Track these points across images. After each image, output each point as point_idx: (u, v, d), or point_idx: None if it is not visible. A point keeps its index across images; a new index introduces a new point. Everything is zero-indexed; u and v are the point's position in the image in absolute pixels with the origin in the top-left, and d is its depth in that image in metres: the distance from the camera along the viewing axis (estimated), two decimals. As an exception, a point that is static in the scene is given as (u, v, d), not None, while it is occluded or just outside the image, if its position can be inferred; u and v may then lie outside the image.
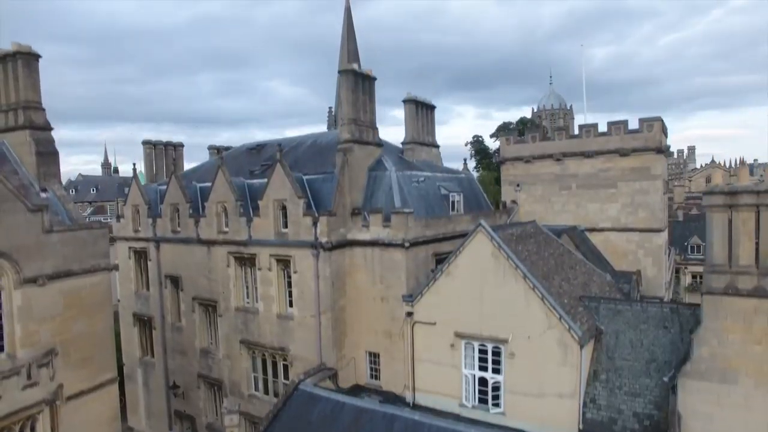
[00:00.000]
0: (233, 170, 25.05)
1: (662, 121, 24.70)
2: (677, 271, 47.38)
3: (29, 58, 17.08)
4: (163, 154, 30.42)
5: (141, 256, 26.93)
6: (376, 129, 22.44)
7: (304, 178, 21.39)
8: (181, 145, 31.58)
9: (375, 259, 19.83)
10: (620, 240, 25.18)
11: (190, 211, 23.95)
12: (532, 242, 19.93)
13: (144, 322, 27.23)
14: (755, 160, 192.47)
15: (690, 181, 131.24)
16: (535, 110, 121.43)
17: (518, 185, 27.85)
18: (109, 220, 68.27)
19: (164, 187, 26.64)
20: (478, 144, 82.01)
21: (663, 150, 24.39)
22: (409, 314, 19.03)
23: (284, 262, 20.68)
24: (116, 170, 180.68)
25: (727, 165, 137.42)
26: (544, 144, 26.98)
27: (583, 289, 19.89)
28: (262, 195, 20.90)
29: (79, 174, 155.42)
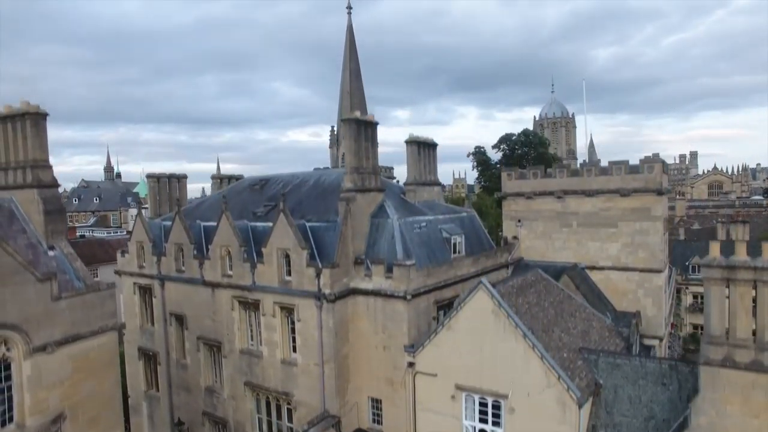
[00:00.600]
0: (236, 209, 25.33)
1: (663, 162, 24.88)
2: (678, 291, 47.52)
3: (37, 118, 17.34)
4: (167, 186, 30.69)
5: (146, 291, 27.21)
6: (379, 173, 22.69)
7: (307, 225, 21.62)
8: (184, 177, 31.86)
9: (377, 309, 20.08)
10: (620, 279, 25.37)
11: (194, 252, 24.21)
12: (533, 292, 20.16)
13: (149, 357, 27.53)
14: (758, 164, 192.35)
15: (692, 187, 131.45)
16: (537, 118, 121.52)
17: (519, 221, 28.05)
18: (111, 234, 68.72)
19: (168, 223, 26.91)
20: (480, 155, 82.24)
21: (663, 191, 24.56)
22: (411, 364, 19.31)
23: (288, 310, 20.95)
24: (119, 175, 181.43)
25: (729, 171, 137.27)
26: (545, 181, 27.18)
27: (583, 338, 20.12)
28: (265, 242, 21.15)
29: (82, 180, 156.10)
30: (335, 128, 51.87)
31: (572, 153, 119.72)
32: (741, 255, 13.58)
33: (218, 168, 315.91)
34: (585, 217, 26.12)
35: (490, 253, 25.14)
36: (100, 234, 66.91)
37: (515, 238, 28.03)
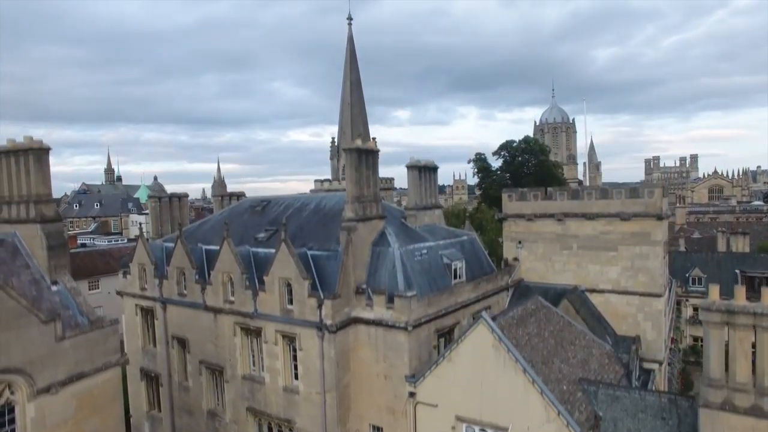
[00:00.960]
0: (237, 232, 25.43)
1: (663, 188, 24.96)
2: (678, 303, 47.59)
3: (40, 153, 17.46)
4: (168, 205, 30.79)
5: (148, 313, 27.32)
6: (380, 200, 22.77)
7: (309, 253, 21.72)
8: (186, 196, 31.96)
9: (378, 338, 20.18)
10: (620, 302, 25.46)
11: (196, 277, 24.31)
12: (533, 321, 20.27)
13: (151, 378, 27.65)
14: (758, 166, 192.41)
15: (692, 191, 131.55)
16: (537, 123, 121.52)
17: (520, 242, 28.13)
18: (112, 242, 68.78)
19: (170, 244, 27.02)
20: (480, 161, 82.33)
21: (663, 216, 24.63)
22: (412, 394, 19.43)
23: (290, 338, 21.06)
24: (119, 178, 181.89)
25: (730, 174, 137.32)
26: (546, 203, 27.25)
27: (583, 367, 20.23)
28: (267, 271, 21.25)
29: (83, 184, 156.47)
30: (335, 139, 51.93)
31: (573, 158, 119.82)
32: (740, 299, 13.66)
33: (218, 169, 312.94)
34: (585, 240, 26.20)
35: (490, 277, 25.23)
36: (101, 242, 66.97)
37: (515, 259, 28.12)
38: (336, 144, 50.94)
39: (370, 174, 21.94)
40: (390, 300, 19.68)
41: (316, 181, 51.75)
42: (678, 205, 74.35)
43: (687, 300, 47.26)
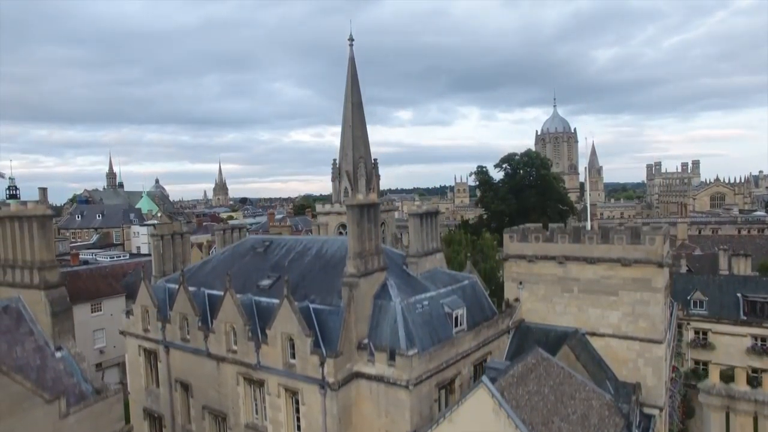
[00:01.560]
0: (240, 277, 25.58)
1: (663, 235, 25.00)
2: (679, 326, 47.60)
3: (44, 219, 17.61)
4: (171, 244, 30.91)
5: (151, 354, 27.48)
6: (382, 252, 22.83)
7: (311, 307, 21.86)
8: (189, 233, 32.07)
9: (380, 394, 20.31)
10: (621, 347, 25.52)
11: (199, 323, 24.45)
12: (533, 378, 20.36)
13: (154, 419, 27.81)
14: (760, 171, 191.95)
15: (694, 199, 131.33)
16: (539, 133, 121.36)
17: (521, 283, 28.20)
18: (114, 258, 68.89)
19: (173, 286, 27.19)
20: (482, 174, 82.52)
21: (664, 264, 24.68)
22: (414, 452, 19.58)
23: (292, 392, 21.21)
24: (121, 185, 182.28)
25: (732, 179, 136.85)
26: (547, 245, 27.31)
27: (582, 424, 20.33)
28: (270, 324, 21.40)
29: (85, 190, 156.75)
30: (337, 161, 52.00)
31: (574, 168, 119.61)
32: (741, 384, 13.73)
33: (220, 172, 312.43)
34: (586, 284, 26.27)
35: (491, 322, 25.33)
36: (103, 259, 67.11)
37: (516, 300, 28.20)
38: (338, 165, 50.99)
39: (372, 227, 22.02)
40: (392, 357, 19.81)
41: (317, 204, 51.81)
42: (680, 218, 74.18)
43: (688, 323, 47.24)
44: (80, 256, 73.94)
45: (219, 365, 23.57)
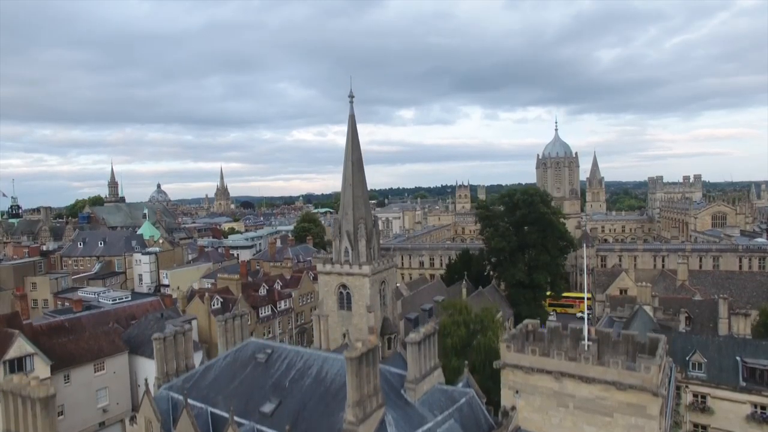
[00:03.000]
0: (242, 396, 25.97)
1: (659, 365, 25.27)
2: (678, 388, 47.97)
3: (47, 401, 17.95)
4: (173, 344, 31.29)
5: (153, 464, 27.93)
6: (380, 390, 23.12)
7: (310, 449, 22.23)
8: (190, 329, 32.47)
9: None
10: (616, 468, 25.88)
11: (202, 449, 24.85)
12: None
13: None
14: (765, 182, 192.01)
15: (695, 218, 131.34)
16: (540, 157, 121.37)
17: (517, 391, 28.55)
18: (117, 301, 69.22)
19: (177, 396, 27.61)
20: (483, 209, 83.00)
21: (659, 394, 24.97)
22: None
23: None
24: (123, 199, 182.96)
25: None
26: (543, 359, 27.61)
27: None
28: (270, 469, 21.80)
29: (87, 207, 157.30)
30: (338, 219, 52.24)
31: (575, 193, 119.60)
32: None
33: (221, 177, 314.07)
34: (582, 402, 26.59)
35: (488, 442, 25.71)
36: (105, 301, 67.60)
37: (513, 408, 28.56)
38: (339, 224, 51.28)
39: (371, 370, 22.34)
40: None
41: (318, 263, 52.25)
42: (680, 259, 74.26)
43: (687, 386, 47.60)
44: (81, 294, 74.62)
45: (221, 493, 24.00)
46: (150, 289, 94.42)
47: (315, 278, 77.46)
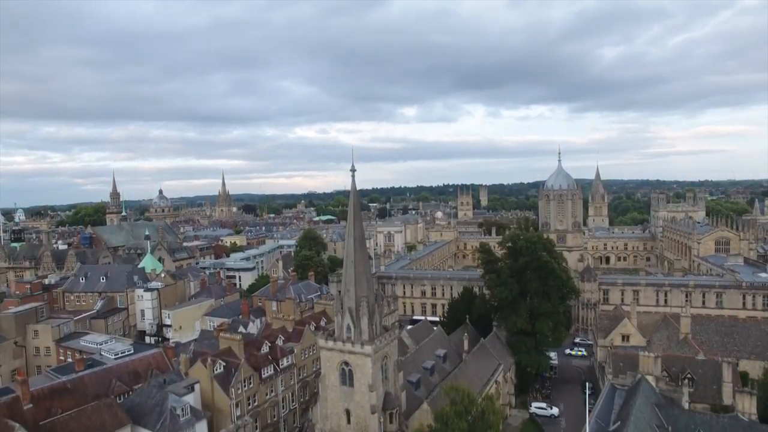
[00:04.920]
0: None
1: None
2: (680, 471, 47.85)
3: None
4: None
5: None
6: None
7: None
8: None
9: None
10: None
11: None
12: None
13: None
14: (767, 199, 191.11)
15: (699, 243, 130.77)
16: (543, 188, 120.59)
17: None
18: (119, 356, 69.18)
19: None
20: (486, 253, 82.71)
21: None
22: None
23: None
24: (125, 218, 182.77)
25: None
26: None
27: None
28: None
29: (89, 226, 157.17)
30: (341, 294, 52.02)
31: (578, 225, 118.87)
32: None
33: (223, 183, 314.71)
34: None
35: None
36: (108, 355, 67.63)
37: None
38: (341, 300, 51.09)
39: None
40: None
41: (320, 338, 52.11)
42: (682, 313, 73.90)
43: (689, 469, 47.50)
44: (83, 343, 74.64)
45: None
46: (152, 326, 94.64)
47: (317, 327, 77.65)
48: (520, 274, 76.96)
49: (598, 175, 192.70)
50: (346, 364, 50.80)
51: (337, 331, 51.94)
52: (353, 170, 51.30)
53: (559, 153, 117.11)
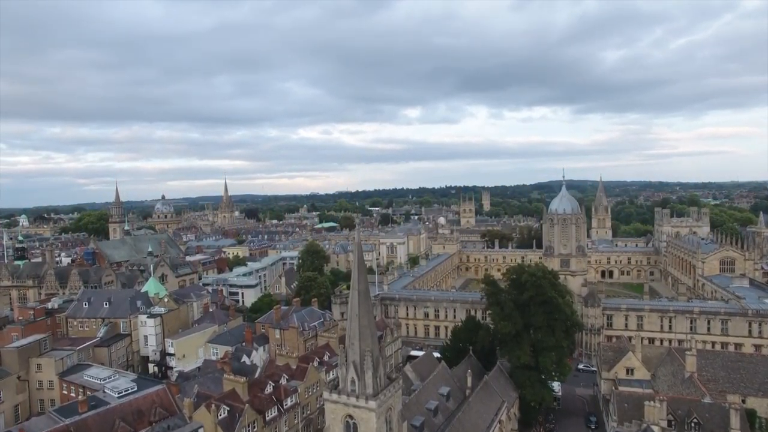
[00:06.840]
0: None
1: None
2: None
3: None
4: None
5: None
6: None
7: None
8: None
9: None
10: None
11: None
12: None
13: None
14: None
15: (703, 262, 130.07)
16: (547, 212, 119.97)
17: None
18: (122, 394, 69.04)
19: None
20: (491, 285, 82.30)
21: None
22: None
23: None
24: (128, 233, 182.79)
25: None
26: None
27: None
28: None
29: (91, 242, 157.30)
30: (344, 347, 51.73)
31: (582, 249, 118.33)
32: None
33: (226, 189, 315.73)
34: None
35: None
36: (111, 393, 67.43)
37: None
38: (346, 353, 50.81)
39: None
40: None
41: (325, 390, 51.88)
42: (687, 352, 73.39)
43: None
44: (86, 378, 74.48)
45: None
46: (155, 353, 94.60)
47: (321, 362, 77.47)
48: (524, 308, 76.57)
49: (601, 187, 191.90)
50: (351, 417, 50.55)
51: (342, 383, 51.67)
52: (358, 223, 50.90)
53: (563, 176, 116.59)
